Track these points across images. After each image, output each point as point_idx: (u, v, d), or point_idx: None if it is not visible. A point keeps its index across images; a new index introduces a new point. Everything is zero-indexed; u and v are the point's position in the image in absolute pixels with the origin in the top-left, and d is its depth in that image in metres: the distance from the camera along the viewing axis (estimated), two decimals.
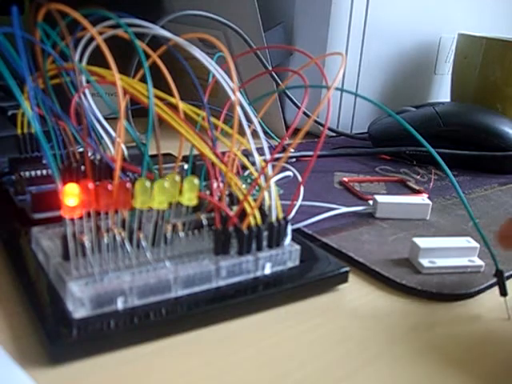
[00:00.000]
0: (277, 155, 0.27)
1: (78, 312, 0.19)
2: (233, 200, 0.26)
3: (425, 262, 0.26)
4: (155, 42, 0.24)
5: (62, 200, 0.19)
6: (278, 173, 0.34)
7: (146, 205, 0.21)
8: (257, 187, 0.23)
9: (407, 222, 0.32)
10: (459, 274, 0.26)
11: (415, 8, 0.53)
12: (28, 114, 0.23)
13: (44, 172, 0.29)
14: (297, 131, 0.22)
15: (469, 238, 0.28)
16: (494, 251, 0.24)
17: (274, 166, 0.23)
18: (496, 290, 0.24)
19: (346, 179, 0.38)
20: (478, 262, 0.26)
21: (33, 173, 0.28)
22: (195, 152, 0.24)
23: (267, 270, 0.24)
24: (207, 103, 0.24)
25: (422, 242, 0.27)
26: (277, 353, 0.20)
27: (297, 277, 0.24)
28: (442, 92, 0.59)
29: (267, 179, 0.23)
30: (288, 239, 0.24)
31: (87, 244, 0.21)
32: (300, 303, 0.23)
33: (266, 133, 0.46)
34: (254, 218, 0.23)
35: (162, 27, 0.23)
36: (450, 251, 0.27)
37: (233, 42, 0.48)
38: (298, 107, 0.47)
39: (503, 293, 0.23)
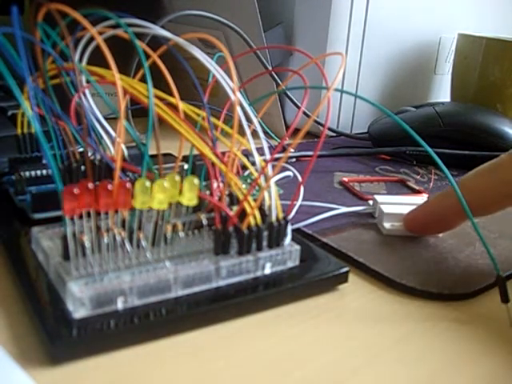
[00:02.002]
0: (277, 155, 0.27)
1: (78, 312, 0.19)
2: (233, 200, 0.26)
3: (387, 225, 0.30)
4: (155, 41, 0.24)
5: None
6: (278, 173, 0.34)
7: (146, 205, 0.21)
8: (257, 187, 0.23)
9: None
10: (459, 273, 0.26)
11: (415, 8, 0.53)
12: (28, 114, 0.23)
13: (44, 172, 0.28)
14: (297, 131, 0.22)
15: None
16: (494, 253, 0.24)
17: (274, 166, 0.23)
18: (496, 289, 0.24)
19: (346, 179, 0.38)
20: None
21: (33, 173, 0.28)
22: (195, 152, 0.24)
23: (267, 270, 0.24)
24: (207, 103, 0.24)
25: (386, 207, 0.31)
26: (277, 353, 0.20)
27: (297, 277, 0.24)
28: (442, 92, 0.59)
29: (267, 179, 0.23)
30: (288, 239, 0.24)
31: (87, 244, 0.21)
32: (300, 303, 0.23)
33: (266, 133, 0.46)
34: (254, 218, 0.23)
35: (162, 27, 0.23)
36: None
37: (233, 42, 0.48)
38: (298, 107, 0.47)
39: (504, 300, 0.23)
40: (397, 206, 0.31)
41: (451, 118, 0.45)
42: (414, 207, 0.29)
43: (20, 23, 0.20)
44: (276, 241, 0.24)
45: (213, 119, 0.24)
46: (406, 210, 0.30)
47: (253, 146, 0.24)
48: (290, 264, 0.24)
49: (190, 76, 0.24)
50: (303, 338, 0.21)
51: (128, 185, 0.20)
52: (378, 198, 0.32)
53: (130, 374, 0.18)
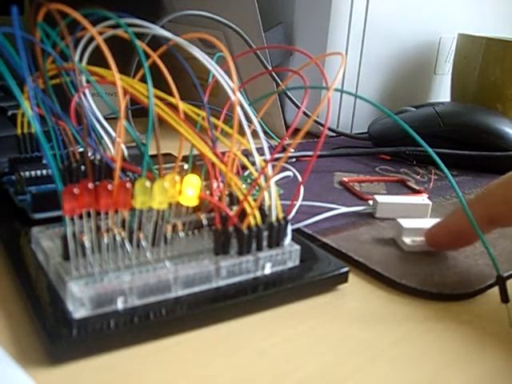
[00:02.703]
0: (277, 155, 0.27)
1: (78, 312, 0.19)
2: (233, 200, 0.26)
3: (408, 240, 0.28)
4: (155, 41, 0.24)
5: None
6: (278, 173, 0.34)
7: (145, 205, 0.21)
8: (257, 187, 0.23)
9: None
10: (459, 273, 0.26)
11: (415, 8, 0.53)
12: (28, 114, 0.23)
13: (44, 172, 0.29)
14: (297, 131, 0.22)
15: None
16: (494, 253, 0.24)
17: (273, 166, 0.23)
18: (496, 289, 0.24)
19: (346, 179, 0.38)
20: None
21: (33, 173, 0.28)
22: (195, 152, 0.24)
23: (267, 270, 0.24)
24: (207, 103, 0.24)
25: (405, 222, 0.29)
26: (277, 353, 0.20)
27: (297, 277, 0.24)
28: (442, 92, 0.59)
29: (267, 179, 0.23)
30: (288, 239, 0.24)
31: (87, 244, 0.21)
32: (300, 303, 0.23)
33: (265, 133, 0.46)
34: (254, 218, 0.23)
35: (162, 27, 0.23)
36: None
37: (233, 42, 0.48)
38: (298, 107, 0.47)
39: (504, 299, 0.23)
40: (415, 220, 0.29)
41: (451, 118, 0.45)
42: (435, 223, 0.28)
43: (20, 23, 0.20)
44: (276, 241, 0.24)
45: (213, 119, 0.24)
46: (425, 223, 0.28)
47: (253, 146, 0.24)
48: (289, 264, 0.24)
49: (190, 76, 0.24)
50: (303, 338, 0.21)
51: (128, 185, 0.20)
52: (378, 198, 0.32)
53: (130, 374, 0.18)
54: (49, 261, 0.22)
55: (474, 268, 0.27)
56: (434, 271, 0.26)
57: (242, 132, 0.23)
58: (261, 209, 0.23)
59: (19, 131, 0.30)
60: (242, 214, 0.23)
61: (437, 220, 0.28)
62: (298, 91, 0.46)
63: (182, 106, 0.23)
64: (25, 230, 0.25)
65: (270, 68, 0.45)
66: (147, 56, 0.22)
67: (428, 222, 0.28)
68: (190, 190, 0.22)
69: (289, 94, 0.47)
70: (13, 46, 0.21)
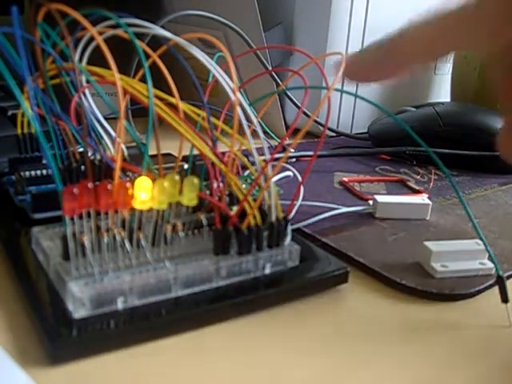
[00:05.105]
0: (277, 155, 0.27)
1: (78, 312, 0.19)
2: (233, 200, 0.26)
3: (437, 266, 0.26)
4: (155, 41, 0.24)
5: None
6: (278, 173, 0.34)
7: (146, 205, 0.21)
8: (257, 187, 0.23)
9: (407, 221, 0.32)
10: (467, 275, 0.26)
11: (415, 8, 0.53)
12: (28, 114, 0.23)
13: (44, 172, 0.29)
14: (297, 131, 0.22)
15: (478, 241, 0.27)
16: (494, 253, 0.24)
17: (273, 166, 0.23)
18: (496, 289, 0.24)
19: (346, 179, 0.38)
20: (489, 264, 0.26)
21: (33, 173, 0.28)
22: (195, 152, 0.24)
23: (267, 270, 0.24)
24: (207, 103, 0.24)
25: (433, 245, 0.26)
26: (277, 353, 0.20)
27: (297, 277, 0.24)
28: (442, 92, 0.59)
29: (267, 179, 0.23)
30: (288, 239, 0.24)
31: (87, 244, 0.21)
32: (300, 303, 0.23)
33: (265, 133, 0.46)
34: (254, 218, 0.23)
35: (162, 27, 0.23)
36: (460, 254, 0.26)
37: (233, 42, 0.48)
38: (298, 107, 0.47)
39: (505, 299, 0.23)
40: (444, 242, 0.27)
41: (451, 118, 0.45)
42: None
43: (20, 23, 0.20)
44: (276, 241, 0.24)
45: (213, 119, 0.24)
46: (455, 246, 0.26)
47: (253, 146, 0.24)
48: (290, 264, 0.24)
49: (190, 76, 0.24)
50: (303, 338, 0.21)
51: (128, 185, 0.20)
52: (378, 198, 0.32)
53: (130, 374, 0.18)
54: (49, 261, 0.22)
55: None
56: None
57: (242, 132, 0.23)
58: (261, 209, 0.23)
59: (19, 131, 0.30)
60: (242, 214, 0.23)
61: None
62: (298, 91, 0.46)
63: (182, 105, 0.23)
64: (25, 230, 0.25)
65: (270, 68, 0.45)
66: (147, 56, 0.22)
67: (455, 245, 0.27)
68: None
69: (289, 94, 0.47)
70: (13, 46, 0.21)
